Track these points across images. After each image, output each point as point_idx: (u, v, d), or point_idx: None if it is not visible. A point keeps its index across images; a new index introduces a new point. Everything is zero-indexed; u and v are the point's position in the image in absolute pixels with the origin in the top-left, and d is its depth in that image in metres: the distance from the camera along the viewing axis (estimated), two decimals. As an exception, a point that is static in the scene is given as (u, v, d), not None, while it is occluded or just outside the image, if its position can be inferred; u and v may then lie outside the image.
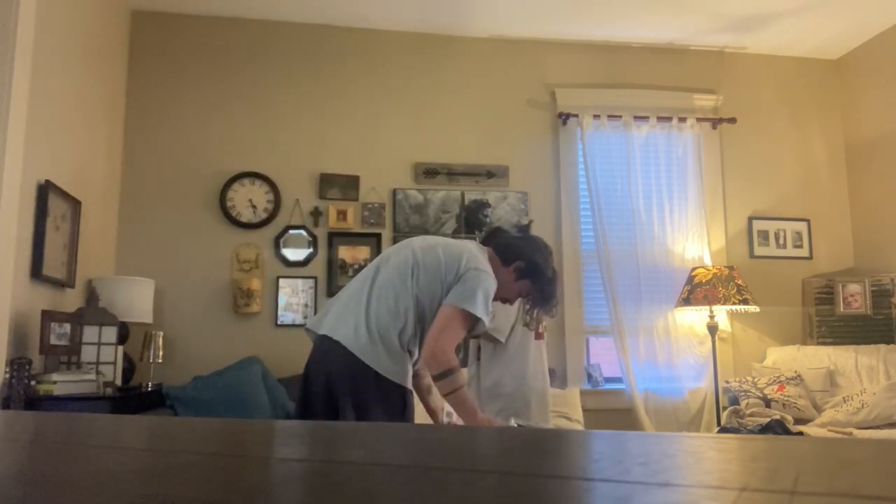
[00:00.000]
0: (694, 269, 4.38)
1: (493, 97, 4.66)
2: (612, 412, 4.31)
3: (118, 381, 3.35)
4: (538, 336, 3.19)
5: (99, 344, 3.27)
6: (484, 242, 2.43)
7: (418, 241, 2.30)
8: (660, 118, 4.68)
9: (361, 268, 4.28)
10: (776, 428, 3.59)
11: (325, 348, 2.14)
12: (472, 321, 2.14)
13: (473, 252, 2.25)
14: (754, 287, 4.50)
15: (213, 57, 4.41)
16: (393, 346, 2.09)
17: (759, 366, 4.43)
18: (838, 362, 4.23)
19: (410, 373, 2.17)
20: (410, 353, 2.16)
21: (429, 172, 4.49)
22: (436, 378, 2.08)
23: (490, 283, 2.20)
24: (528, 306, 2.46)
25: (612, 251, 4.49)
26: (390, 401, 2.08)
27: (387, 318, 2.11)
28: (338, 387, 2.07)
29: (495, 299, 2.33)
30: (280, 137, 4.39)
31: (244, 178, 4.28)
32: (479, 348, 3.14)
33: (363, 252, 4.33)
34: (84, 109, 3.63)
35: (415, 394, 2.26)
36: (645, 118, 4.67)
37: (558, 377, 4.33)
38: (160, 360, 3.70)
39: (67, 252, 3.38)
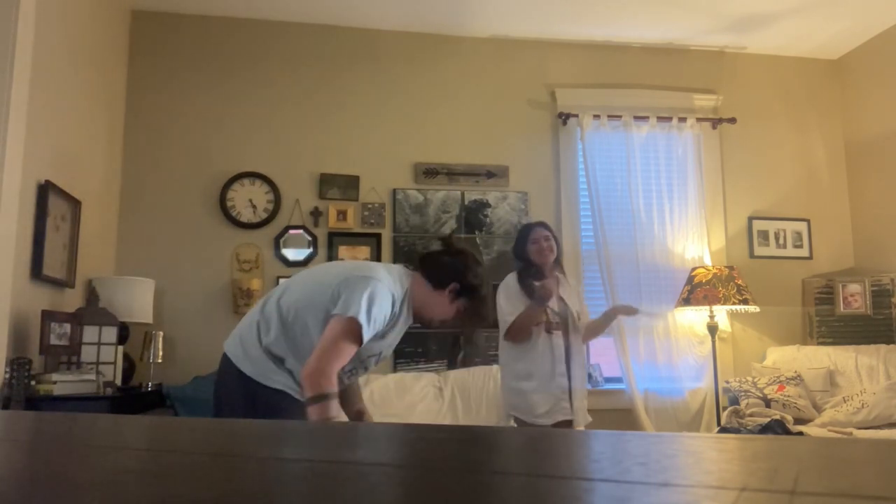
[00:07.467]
0: (694, 269, 4.38)
1: (493, 97, 4.66)
2: (612, 412, 4.30)
3: (118, 381, 3.35)
4: (550, 328, 3.15)
5: (99, 344, 3.27)
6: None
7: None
8: (660, 118, 4.68)
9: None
10: (776, 428, 3.59)
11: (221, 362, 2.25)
12: (358, 330, 2.02)
13: (372, 267, 2.18)
14: (754, 287, 4.50)
15: (213, 57, 4.41)
16: (250, 345, 2.13)
17: (759, 366, 4.43)
18: (838, 362, 4.23)
19: (279, 373, 2.11)
20: (275, 356, 2.10)
21: (429, 172, 4.49)
22: (308, 401, 1.97)
23: (378, 290, 2.08)
24: (459, 323, 2.33)
25: (612, 251, 4.48)
26: (255, 398, 2.09)
27: (248, 319, 2.20)
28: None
29: (432, 323, 2.27)
30: (280, 137, 4.39)
31: (244, 178, 4.28)
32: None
33: (363, 252, 4.33)
34: (84, 109, 3.63)
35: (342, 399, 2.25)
36: (645, 118, 4.67)
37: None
38: (160, 360, 3.70)
39: (67, 252, 3.38)
